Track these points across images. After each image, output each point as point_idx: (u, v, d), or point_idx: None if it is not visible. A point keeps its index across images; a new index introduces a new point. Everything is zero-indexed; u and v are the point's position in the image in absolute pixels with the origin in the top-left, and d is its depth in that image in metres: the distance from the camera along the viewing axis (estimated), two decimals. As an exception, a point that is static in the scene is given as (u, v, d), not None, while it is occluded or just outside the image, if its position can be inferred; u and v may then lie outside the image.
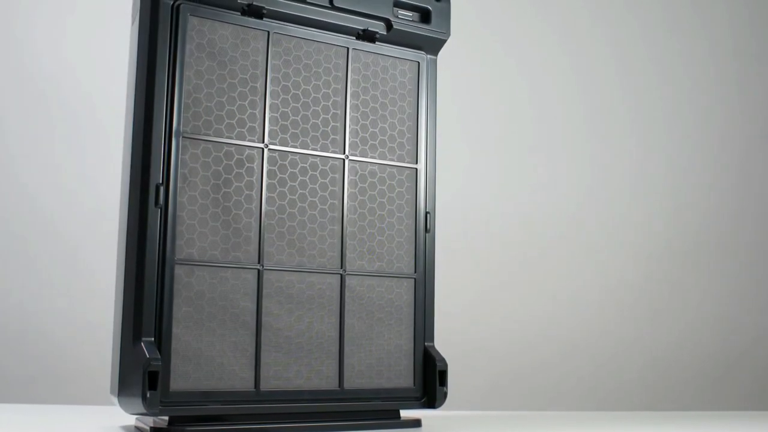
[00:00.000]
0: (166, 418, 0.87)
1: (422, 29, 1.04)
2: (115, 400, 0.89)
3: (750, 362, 2.03)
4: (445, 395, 1.01)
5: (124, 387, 0.87)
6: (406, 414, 1.01)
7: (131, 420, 0.99)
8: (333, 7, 0.99)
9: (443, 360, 1.01)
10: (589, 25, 2.07)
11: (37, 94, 1.74)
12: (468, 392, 1.71)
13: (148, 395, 0.83)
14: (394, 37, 1.02)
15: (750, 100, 2.13)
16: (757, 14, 2.15)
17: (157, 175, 0.87)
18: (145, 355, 0.84)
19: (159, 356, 0.84)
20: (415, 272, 1.02)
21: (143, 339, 0.85)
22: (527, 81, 2.02)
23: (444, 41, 1.05)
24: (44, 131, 1.74)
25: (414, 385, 1.01)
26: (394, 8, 1.03)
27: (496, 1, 2.02)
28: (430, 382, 1.01)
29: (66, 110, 1.76)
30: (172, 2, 0.90)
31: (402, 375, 1.00)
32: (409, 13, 1.04)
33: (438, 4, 1.05)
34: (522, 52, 2.03)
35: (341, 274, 0.97)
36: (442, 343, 1.04)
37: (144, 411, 0.84)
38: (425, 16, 1.04)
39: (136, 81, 0.90)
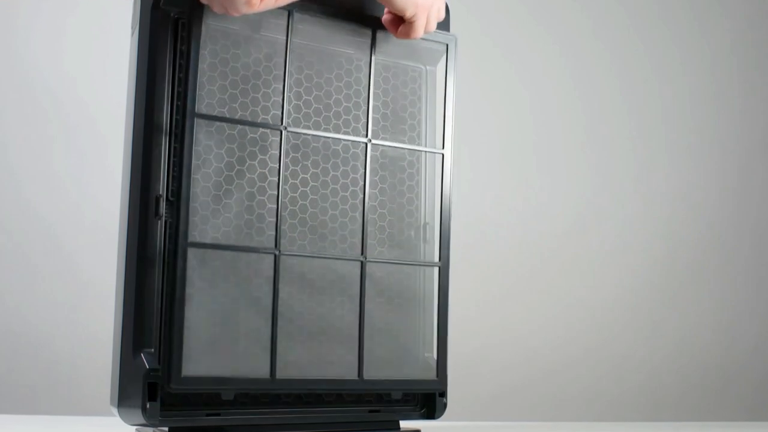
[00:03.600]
0: (166, 429, 0.87)
1: (421, 40, 1.04)
2: (115, 410, 0.89)
3: (750, 373, 2.03)
4: (444, 406, 1.01)
5: (124, 398, 0.86)
6: (405, 425, 1.01)
7: (131, 431, 0.99)
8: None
9: (443, 370, 1.01)
10: (589, 35, 2.07)
11: (37, 106, 1.75)
12: (469, 402, 1.71)
13: (148, 406, 0.83)
14: (394, 48, 1.02)
15: (751, 111, 2.13)
16: (758, 25, 2.15)
17: (157, 187, 0.87)
18: (145, 366, 0.84)
19: (159, 367, 0.84)
20: (439, 260, 0.99)
21: (143, 350, 0.85)
22: (527, 93, 2.02)
23: (443, 52, 1.05)
24: (44, 143, 1.74)
25: (437, 377, 0.98)
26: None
27: (495, 11, 2.03)
28: (429, 393, 1.01)
29: (66, 121, 1.76)
30: (173, 14, 0.90)
31: (424, 365, 0.98)
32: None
33: (437, 15, 1.05)
34: (522, 62, 2.03)
35: (361, 261, 0.95)
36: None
37: (144, 422, 0.84)
38: (424, 28, 1.04)
39: (136, 92, 0.90)
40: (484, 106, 1.98)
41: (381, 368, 0.94)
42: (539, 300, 1.96)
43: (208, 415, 0.88)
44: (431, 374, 0.97)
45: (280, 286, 0.89)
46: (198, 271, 0.86)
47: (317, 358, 0.92)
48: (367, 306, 0.94)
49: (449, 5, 1.05)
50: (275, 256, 0.89)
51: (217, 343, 0.86)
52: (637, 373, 1.98)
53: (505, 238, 1.96)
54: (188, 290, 0.85)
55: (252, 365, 0.87)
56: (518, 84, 2.02)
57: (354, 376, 0.92)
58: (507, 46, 2.03)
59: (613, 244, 2.01)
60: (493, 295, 1.93)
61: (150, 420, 0.83)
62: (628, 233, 2.02)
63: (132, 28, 0.95)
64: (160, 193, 0.87)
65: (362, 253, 0.94)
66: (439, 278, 0.98)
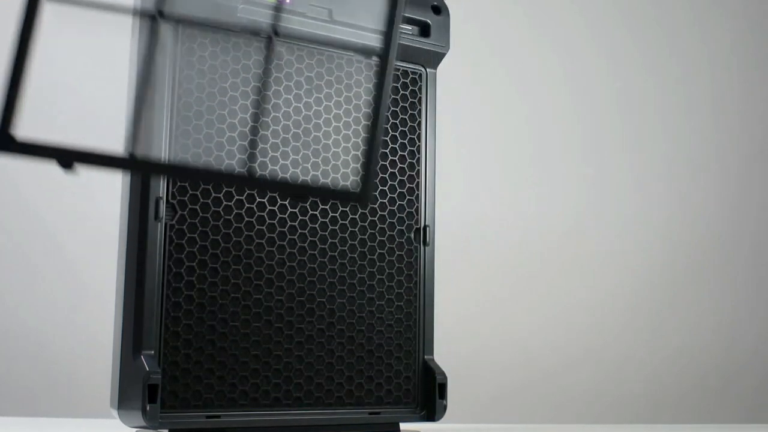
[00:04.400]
0: (166, 431, 0.87)
1: (422, 43, 1.04)
2: (115, 413, 0.89)
3: (750, 374, 2.03)
4: (444, 408, 1.01)
5: (123, 400, 0.87)
6: (405, 427, 1.01)
7: (131, 433, 0.99)
8: (332, 21, 0.98)
9: (443, 373, 1.01)
10: (587, 42, 2.07)
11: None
12: (468, 404, 1.71)
13: (148, 408, 0.83)
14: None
15: (751, 111, 2.13)
16: (758, 25, 2.15)
17: (157, 188, 0.87)
18: (145, 368, 0.84)
19: (159, 369, 0.84)
20: (381, 51, 0.76)
21: (143, 352, 0.85)
22: (525, 96, 2.02)
23: (443, 55, 1.05)
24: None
25: (360, 190, 0.76)
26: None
27: (494, 19, 2.03)
28: (429, 395, 1.01)
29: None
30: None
31: (345, 175, 0.88)
32: (409, 27, 1.04)
33: (437, 17, 1.05)
34: (522, 60, 2.03)
35: (269, 33, 0.80)
36: (442, 356, 1.04)
37: (144, 424, 0.84)
38: (424, 30, 1.04)
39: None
40: (484, 106, 1.98)
41: (282, 167, 0.79)
42: (539, 301, 1.96)
43: (208, 417, 0.88)
44: (353, 185, 0.78)
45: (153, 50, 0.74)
46: (54, 28, 0.75)
47: (194, 145, 0.80)
48: (278, 92, 0.76)
49: (449, 7, 1.05)
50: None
51: (64, 111, 0.76)
52: (637, 375, 1.98)
53: (505, 238, 1.96)
54: (38, 47, 0.68)
55: (106, 139, 0.74)
56: (518, 83, 2.02)
57: (242, 170, 0.71)
58: (505, 47, 2.03)
59: (613, 244, 2.01)
60: (493, 295, 1.93)
61: (150, 422, 0.83)
62: (628, 234, 2.02)
63: (132, 30, 0.95)
64: (161, 194, 0.87)
65: (273, 24, 0.72)
66: (379, 72, 0.81)
